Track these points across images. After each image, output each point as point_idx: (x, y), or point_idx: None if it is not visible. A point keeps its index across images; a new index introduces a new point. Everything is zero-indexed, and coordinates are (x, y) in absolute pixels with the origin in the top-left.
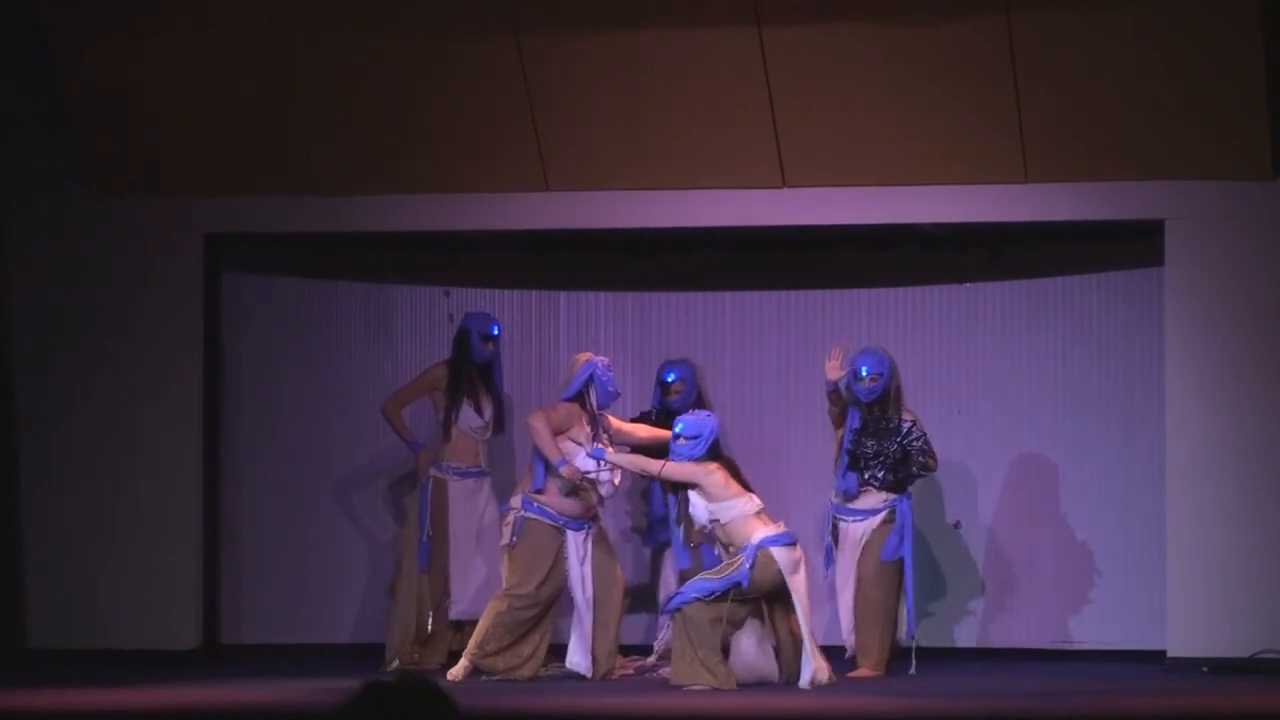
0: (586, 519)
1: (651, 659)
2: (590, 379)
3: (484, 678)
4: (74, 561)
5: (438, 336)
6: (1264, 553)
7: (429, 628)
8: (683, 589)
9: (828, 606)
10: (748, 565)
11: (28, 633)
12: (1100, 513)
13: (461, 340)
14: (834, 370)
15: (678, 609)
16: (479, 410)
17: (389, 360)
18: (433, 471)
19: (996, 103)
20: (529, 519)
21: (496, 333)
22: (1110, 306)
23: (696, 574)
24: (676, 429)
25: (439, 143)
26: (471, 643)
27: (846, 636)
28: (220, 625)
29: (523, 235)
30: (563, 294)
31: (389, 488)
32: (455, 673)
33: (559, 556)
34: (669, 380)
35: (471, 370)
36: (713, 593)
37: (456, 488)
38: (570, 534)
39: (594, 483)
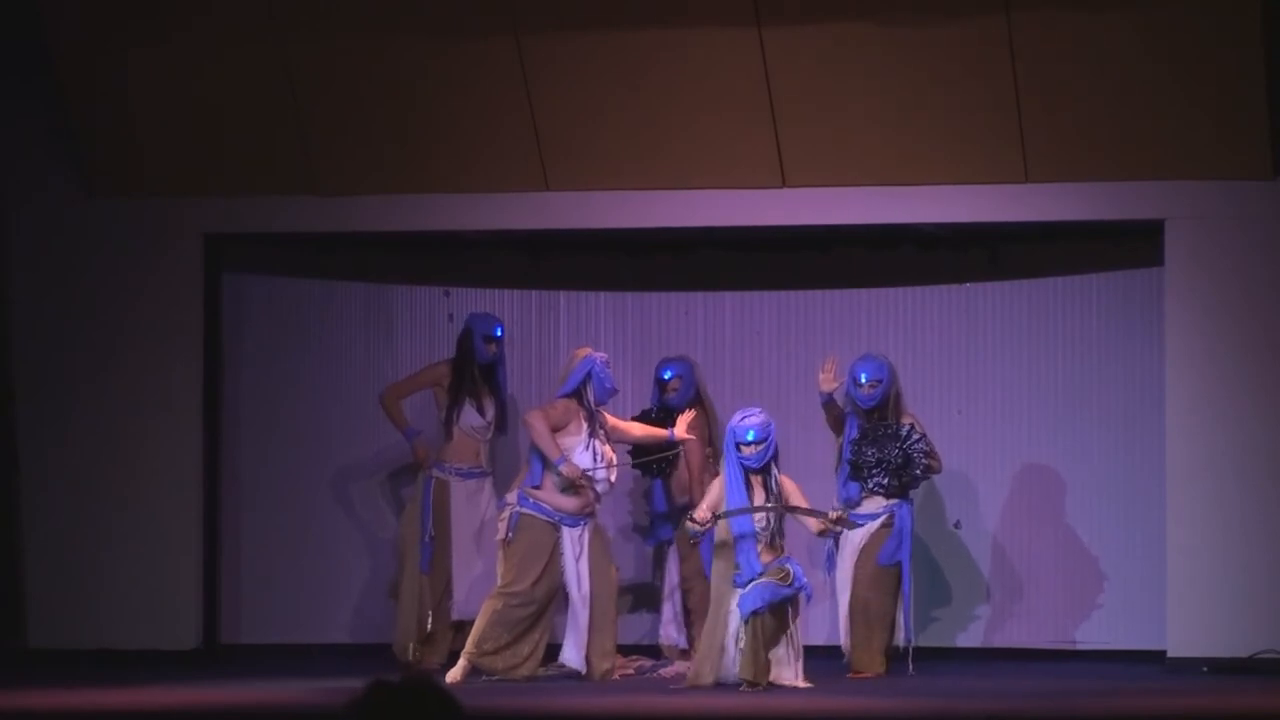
0: (582, 515)
1: (652, 661)
2: (588, 375)
3: (483, 678)
4: (74, 561)
5: (438, 336)
6: (1264, 553)
7: (428, 626)
8: (753, 592)
9: (828, 608)
10: (802, 573)
11: (28, 633)
12: (1100, 513)
13: (464, 340)
14: (828, 382)
15: (755, 612)
16: (481, 410)
17: (389, 360)
18: (435, 472)
19: (996, 103)
20: (524, 515)
21: (499, 334)
22: (1110, 306)
23: (696, 572)
24: (748, 437)
25: (439, 143)
26: (469, 642)
27: (844, 639)
28: (220, 625)
29: (523, 235)
30: (563, 294)
31: (388, 478)
32: (454, 673)
33: (554, 553)
34: (665, 378)
35: (474, 370)
36: (783, 596)
37: (459, 489)
38: (565, 530)
39: (591, 480)
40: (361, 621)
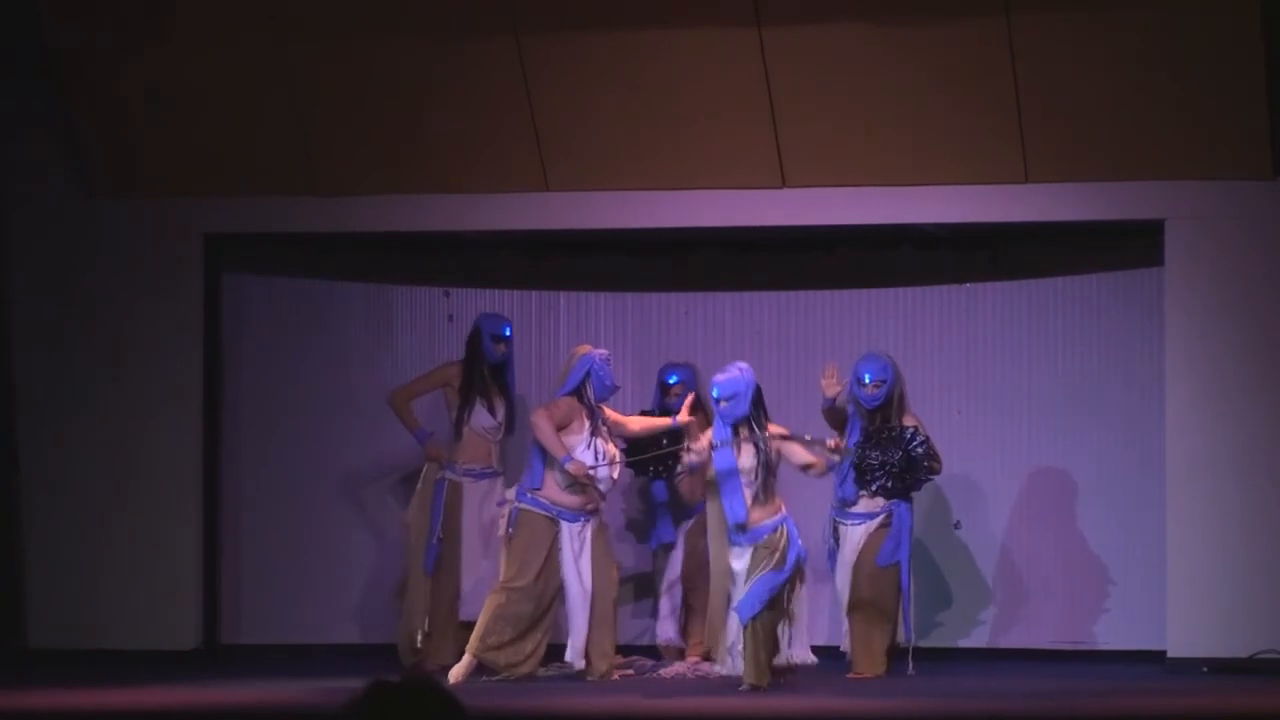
0: (582, 511)
1: (650, 662)
2: (588, 373)
3: (484, 678)
4: (74, 561)
5: (438, 336)
6: (1264, 552)
7: (426, 627)
8: (750, 593)
9: (828, 607)
10: (797, 535)
11: (28, 633)
12: (1100, 513)
13: (473, 341)
14: (831, 387)
15: (754, 617)
16: (492, 410)
17: (389, 360)
18: (446, 474)
19: (996, 103)
20: (523, 509)
21: (508, 334)
22: (1110, 306)
23: (699, 569)
24: (714, 393)
25: (439, 143)
26: (473, 637)
27: (844, 639)
28: (220, 625)
29: (523, 235)
30: (563, 294)
31: (388, 478)
32: (457, 670)
33: (554, 547)
34: (670, 382)
35: (484, 370)
36: (779, 586)
37: (472, 490)
38: (565, 525)
39: (593, 478)
40: (362, 621)
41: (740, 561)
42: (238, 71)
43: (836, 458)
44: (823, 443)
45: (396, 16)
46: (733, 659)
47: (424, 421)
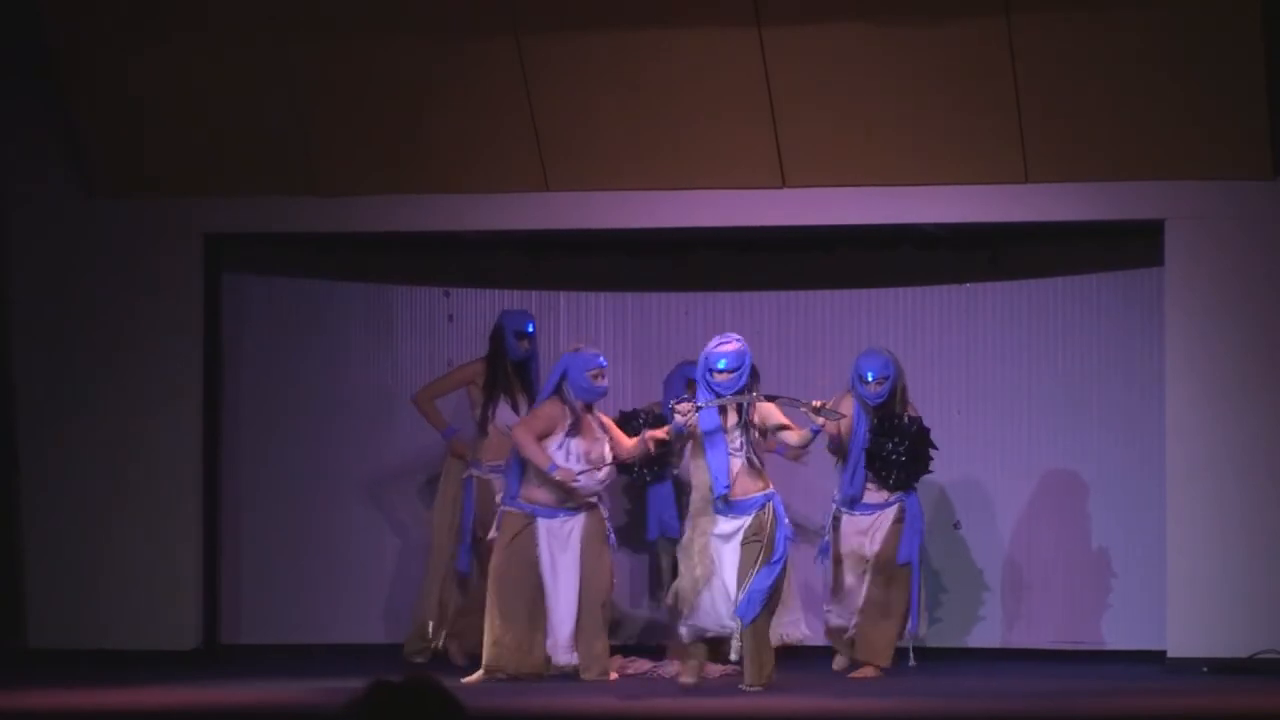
0: (561, 508)
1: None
2: (564, 374)
3: (483, 681)
4: (74, 561)
5: (438, 336)
6: (1264, 553)
7: (428, 634)
8: (750, 596)
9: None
10: (784, 512)
11: (28, 633)
12: (1100, 513)
13: (496, 338)
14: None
15: (756, 616)
16: (516, 407)
17: (389, 360)
18: (474, 472)
19: (996, 103)
20: (505, 512)
21: (531, 330)
22: (1110, 306)
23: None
24: (719, 365)
25: (439, 143)
26: (483, 651)
27: (847, 621)
28: (220, 625)
29: (523, 235)
30: (563, 294)
31: (389, 477)
32: (469, 680)
33: (527, 540)
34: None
35: (507, 367)
36: (777, 580)
37: (500, 487)
38: (542, 521)
39: (575, 486)
40: (362, 621)
41: (723, 526)
42: (238, 71)
43: (821, 419)
44: (806, 403)
45: (396, 16)
46: (720, 595)
47: (448, 419)
